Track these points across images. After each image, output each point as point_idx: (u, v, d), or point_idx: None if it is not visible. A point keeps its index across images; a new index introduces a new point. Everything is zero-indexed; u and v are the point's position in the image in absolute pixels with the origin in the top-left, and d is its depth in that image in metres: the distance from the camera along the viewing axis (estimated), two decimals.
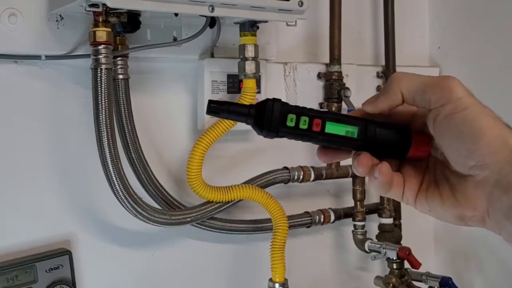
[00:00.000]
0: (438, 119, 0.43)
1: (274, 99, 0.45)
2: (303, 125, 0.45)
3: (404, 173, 0.48)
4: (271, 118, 0.44)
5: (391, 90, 0.45)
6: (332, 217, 1.06)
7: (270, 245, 0.92)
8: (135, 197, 0.79)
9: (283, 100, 0.46)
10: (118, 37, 0.81)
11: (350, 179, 1.09)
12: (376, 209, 1.14)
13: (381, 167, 0.45)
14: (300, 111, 0.45)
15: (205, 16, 0.84)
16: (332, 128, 0.45)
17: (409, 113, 0.48)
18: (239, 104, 0.47)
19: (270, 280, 0.92)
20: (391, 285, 1.08)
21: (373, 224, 1.14)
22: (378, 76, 1.17)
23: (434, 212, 0.47)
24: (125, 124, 0.84)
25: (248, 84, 0.87)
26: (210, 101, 0.45)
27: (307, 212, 1.05)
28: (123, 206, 0.78)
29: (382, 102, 0.46)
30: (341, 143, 0.46)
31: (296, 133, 0.45)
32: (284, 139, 0.47)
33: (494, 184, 0.42)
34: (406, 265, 1.06)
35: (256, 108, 0.45)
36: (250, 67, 0.86)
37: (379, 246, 1.07)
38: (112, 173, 0.75)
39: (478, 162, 0.42)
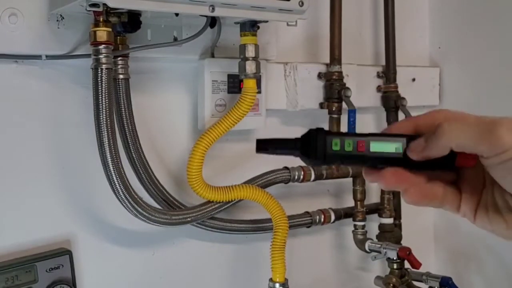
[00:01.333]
0: (493, 166, 0.43)
1: (317, 129, 0.47)
2: (349, 148, 0.46)
3: (462, 189, 0.48)
4: (316, 146, 0.46)
5: (439, 145, 0.44)
6: (333, 217, 1.06)
7: (270, 245, 0.92)
8: (136, 197, 0.79)
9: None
10: (118, 37, 0.81)
11: (350, 179, 1.09)
12: (376, 209, 1.14)
13: (382, 172, 0.46)
14: (343, 135, 0.47)
15: (206, 16, 0.84)
16: (377, 146, 0.46)
17: None
18: (285, 139, 0.48)
19: (270, 280, 0.92)
20: (391, 285, 1.08)
21: (373, 224, 1.14)
22: (378, 76, 1.17)
23: (498, 233, 0.47)
24: (125, 124, 0.84)
25: (249, 84, 0.87)
26: (258, 141, 0.48)
27: (307, 212, 1.05)
28: (123, 206, 0.78)
29: (429, 152, 0.45)
30: (389, 162, 0.47)
31: (342, 156, 0.47)
32: None
33: None
34: (406, 265, 1.06)
35: (302, 140, 0.47)
36: (250, 67, 0.86)
37: (379, 246, 1.07)
38: (113, 173, 0.75)
39: None
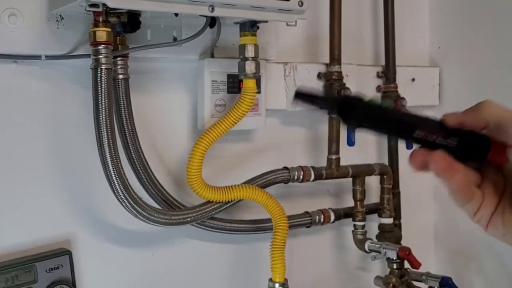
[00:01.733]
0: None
1: (357, 97, 0.47)
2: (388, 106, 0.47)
3: (483, 190, 0.48)
4: (356, 112, 0.46)
5: (477, 116, 0.46)
6: (332, 217, 1.06)
7: (270, 245, 0.92)
8: (135, 197, 0.79)
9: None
10: (118, 37, 0.81)
11: (350, 179, 1.09)
12: (376, 209, 1.14)
13: (434, 154, 0.45)
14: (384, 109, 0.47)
15: (205, 16, 0.84)
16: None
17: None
18: (325, 97, 0.49)
19: (270, 280, 0.92)
20: (391, 285, 1.08)
21: (373, 224, 1.14)
22: (378, 76, 1.17)
23: (510, 236, 0.48)
24: (125, 124, 0.84)
25: (248, 84, 0.87)
26: (297, 93, 0.48)
27: (307, 212, 1.05)
28: (123, 206, 0.78)
29: (466, 119, 0.46)
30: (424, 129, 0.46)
31: (378, 123, 0.47)
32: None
33: None
34: (406, 265, 1.06)
35: (343, 100, 0.47)
36: (250, 67, 0.86)
37: (379, 246, 1.07)
38: (112, 173, 0.75)
39: None
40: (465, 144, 0.46)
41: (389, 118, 0.47)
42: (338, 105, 0.47)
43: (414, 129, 0.46)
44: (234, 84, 0.94)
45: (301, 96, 0.48)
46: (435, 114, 1.35)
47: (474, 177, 0.48)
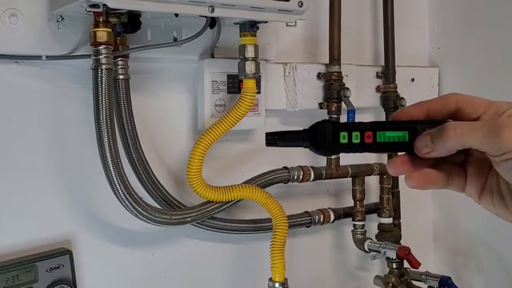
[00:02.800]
0: (497, 162, 0.44)
1: (325, 121, 0.48)
2: (356, 140, 0.48)
3: (468, 171, 0.49)
4: (324, 139, 0.47)
5: (446, 147, 0.46)
6: (332, 217, 1.06)
7: (270, 245, 0.92)
8: (136, 196, 0.79)
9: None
10: (118, 38, 0.81)
11: (350, 179, 1.09)
12: (376, 209, 1.14)
13: (393, 159, 0.48)
14: (350, 127, 0.48)
15: (205, 17, 0.84)
16: (383, 136, 0.48)
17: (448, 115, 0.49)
18: (293, 131, 0.49)
19: (270, 279, 0.92)
20: (391, 284, 1.08)
21: (372, 224, 1.14)
22: (377, 76, 1.17)
23: (502, 216, 0.48)
24: (125, 124, 0.84)
25: (248, 84, 0.88)
26: (267, 134, 0.49)
27: (307, 212, 1.05)
28: (123, 205, 0.78)
29: (436, 154, 0.47)
30: (395, 149, 0.49)
31: (350, 148, 0.48)
32: None
33: None
34: (406, 264, 1.07)
35: (310, 132, 0.48)
36: (250, 67, 0.86)
37: (379, 245, 1.07)
38: (113, 173, 0.76)
39: None
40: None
41: (358, 146, 0.48)
42: (309, 140, 0.48)
43: (384, 152, 0.49)
44: (234, 84, 0.94)
45: (272, 137, 0.49)
46: None
47: (442, 167, 0.49)
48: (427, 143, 0.46)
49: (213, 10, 0.75)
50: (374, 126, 0.48)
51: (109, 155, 0.75)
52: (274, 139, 0.49)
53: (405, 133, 0.48)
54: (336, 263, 1.19)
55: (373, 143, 0.48)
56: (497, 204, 0.48)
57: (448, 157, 0.48)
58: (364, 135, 0.48)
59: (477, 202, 0.49)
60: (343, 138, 0.47)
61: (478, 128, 0.44)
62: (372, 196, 1.16)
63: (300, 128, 0.49)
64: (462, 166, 0.49)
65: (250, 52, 0.86)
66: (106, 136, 0.75)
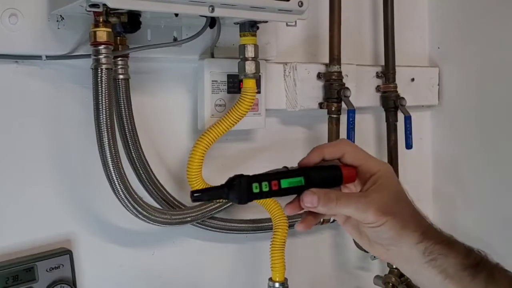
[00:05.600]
0: (365, 227, 0.60)
1: (241, 175, 0.58)
2: (265, 188, 0.58)
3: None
4: (240, 191, 0.57)
5: (330, 212, 0.60)
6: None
7: (270, 245, 0.92)
8: (136, 196, 0.79)
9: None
10: (118, 37, 0.81)
11: None
12: None
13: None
14: (260, 179, 0.58)
15: (205, 17, 0.84)
16: (286, 183, 0.58)
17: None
18: (215, 187, 0.59)
19: (270, 279, 0.92)
20: (391, 284, 1.08)
21: None
22: (377, 76, 1.17)
23: (358, 241, 0.65)
24: (125, 124, 0.84)
25: (248, 84, 0.88)
26: (192, 192, 0.58)
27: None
28: (123, 205, 0.78)
29: (321, 212, 0.61)
30: (296, 192, 0.59)
31: (262, 195, 0.58)
32: None
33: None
34: None
35: (228, 187, 0.57)
36: (250, 67, 0.86)
37: None
38: (113, 173, 0.76)
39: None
40: (324, 182, 0.60)
41: (267, 193, 0.58)
42: (227, 194, 0.57)
43: (287, 195, 0.59)
44: (234, 84, 0.94)
45: (198, 194, 0.58)
46: (435, 114, 1.36)
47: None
48: (313, 203, 0.58)
49: (213, 10, 0.75)
50: (279, 176, 0.58)
51: (109, 155, 0.75)
52: (199, 196, 0.58)
53: (301, 178, 0.59)
54: (336, 263, 1.19)
55: (279, 189, 0.58)
56: (355, 233, 0.63)
57: None
58: (271, 184, 0.58)
59: (341, 225, 0.64)
60: (256, 188, 0.57)
61: (353, 203, 0.58)
62: None
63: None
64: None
65: (250, 52, 0.86)
66: (106, 136, 0.75)
